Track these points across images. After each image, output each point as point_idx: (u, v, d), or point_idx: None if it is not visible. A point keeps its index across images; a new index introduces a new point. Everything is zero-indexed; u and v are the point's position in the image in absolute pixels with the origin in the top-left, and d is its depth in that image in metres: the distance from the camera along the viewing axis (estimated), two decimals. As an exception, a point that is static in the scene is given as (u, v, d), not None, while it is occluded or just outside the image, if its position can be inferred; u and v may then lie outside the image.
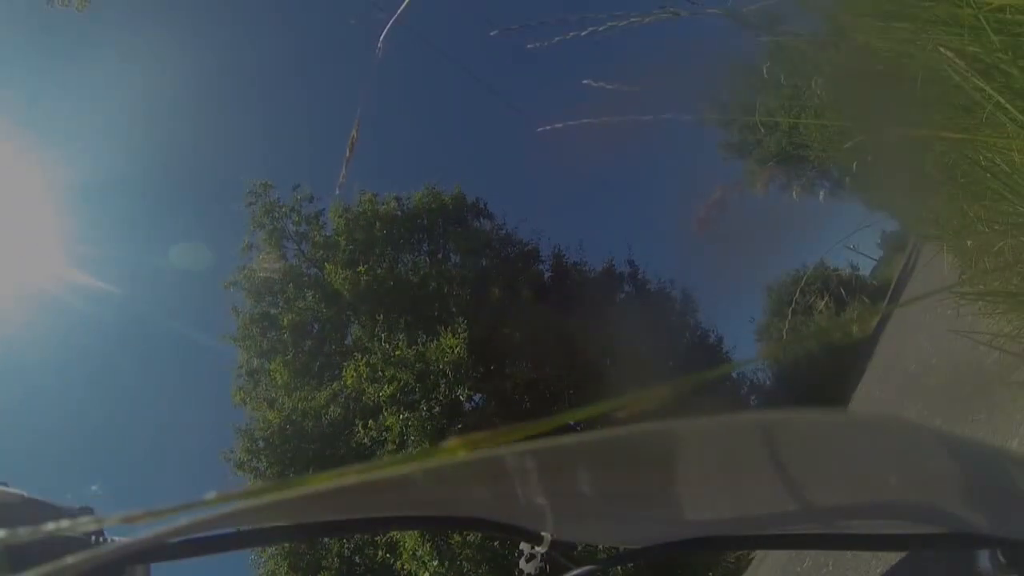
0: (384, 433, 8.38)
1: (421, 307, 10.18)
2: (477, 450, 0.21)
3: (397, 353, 8.76)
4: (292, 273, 10.76)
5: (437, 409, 8.36)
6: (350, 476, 0.20)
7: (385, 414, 8.44)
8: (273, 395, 9.88)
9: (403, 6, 1.21)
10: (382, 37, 1.18)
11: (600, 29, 1.47)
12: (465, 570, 7.52)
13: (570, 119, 1.57)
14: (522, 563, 0.71)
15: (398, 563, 7.98)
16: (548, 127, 1.56)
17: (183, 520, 0.25)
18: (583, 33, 1.47)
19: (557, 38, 1.50)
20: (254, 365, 10.53)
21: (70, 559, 0.22)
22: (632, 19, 1.50)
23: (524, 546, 0.69)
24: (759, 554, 6.87)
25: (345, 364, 9.24)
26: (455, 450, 0.20)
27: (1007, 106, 1.12)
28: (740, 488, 0.46)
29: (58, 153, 16.73)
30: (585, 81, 1.58)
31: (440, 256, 11.61)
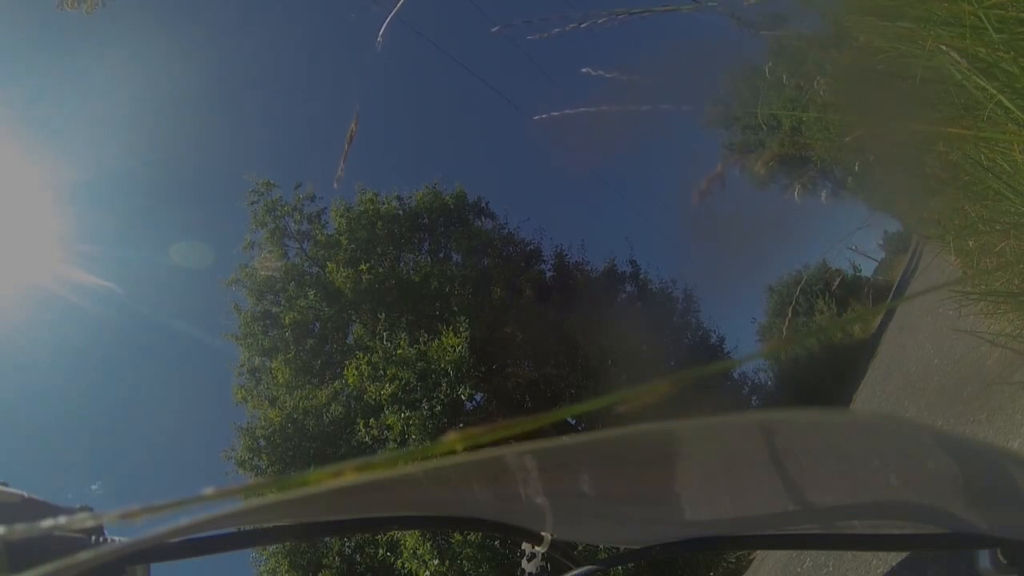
0: (385, 432, 8.38)
1: (423, 306, 10.17)
2: (475, 446, 0.21)
3: (399, 352, 8.75)
4: (294, 272, 10.76)
5: (438, 408, 8.34)
6: (348, 475, 0.20)
7: (386, 413, 8.43)
8: (274, 393, 9.88)
9: (400, 3, 1.22)
10: (382, 31, 1.18)
11: (599, 21, 1.47)
12: (465, 569, 7.52)
13: (567, 109, 1.57)
14: (524, 563, 0.71)
15: (399, 562, 7.99)
16: (544, 116, 1.56)
17: (183, 520, 0.25)
18: (582, 25, 1.47)
19: (556, 29, 1.50)
20: (255, 363, 10.54)
21: (70, 559, 0.22)
22: (632, 12, 1.50)
23: (525, 546, 0.69)
24: (759, 554, 6.86)
25: (346, 363, 9.22)
26: (453, 445, 0.20)
27: (1008, 105, 1.12)
28: (740, 488, 0.46)
29: (59, 151, 16.75)
30: (584, 69, 1.58)
31: (442, 255, 11.61)
